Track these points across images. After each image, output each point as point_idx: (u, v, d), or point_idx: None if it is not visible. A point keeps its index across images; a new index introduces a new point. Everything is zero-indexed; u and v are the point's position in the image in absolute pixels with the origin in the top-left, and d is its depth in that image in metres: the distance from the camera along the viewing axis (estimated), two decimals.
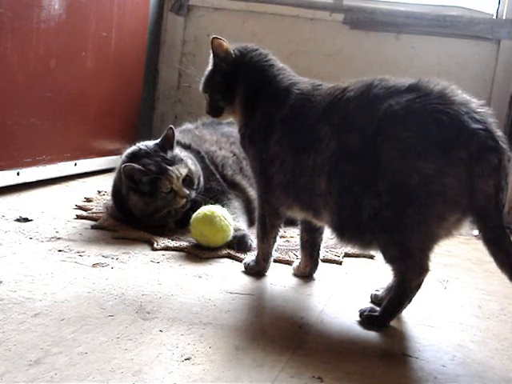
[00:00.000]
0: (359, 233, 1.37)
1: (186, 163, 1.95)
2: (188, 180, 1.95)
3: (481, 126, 1.24)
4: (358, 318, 1.40)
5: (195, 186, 1.97)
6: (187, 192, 1.92)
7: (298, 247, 1.91)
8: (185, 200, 1.92)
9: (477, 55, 3.00)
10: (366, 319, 1.38)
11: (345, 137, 1.35)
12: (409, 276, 1.35)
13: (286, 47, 3.22)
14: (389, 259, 1.36)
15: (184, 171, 1.93)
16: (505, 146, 1.26)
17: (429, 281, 1.75)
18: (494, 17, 3.02)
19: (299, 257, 1.69)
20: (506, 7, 2.99)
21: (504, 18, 2.99)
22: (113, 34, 2.77)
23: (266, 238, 1.62)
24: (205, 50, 3.31)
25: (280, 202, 1.54)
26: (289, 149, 1.47)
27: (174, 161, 1.94)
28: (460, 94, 1.30)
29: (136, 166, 1.89)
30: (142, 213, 1.93)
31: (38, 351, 1.09)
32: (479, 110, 1.28)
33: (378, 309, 1.41)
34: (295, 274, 1.67)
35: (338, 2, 3.16)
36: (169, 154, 1.94)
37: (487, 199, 1.23)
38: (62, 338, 1.15)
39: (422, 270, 1.34)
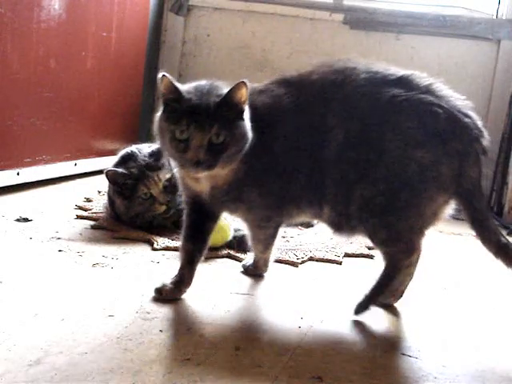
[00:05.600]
0: (348, 220, 1.38)
1: (172, 168, 1.93)
2: (172, 186, 1.88)
3: (469, 120, 1.34)
4: (357, 318, 1.40)
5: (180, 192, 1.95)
6: (167, 198, 1.89)
7: (298, 247, 1.91)
8: (164, 207, 1.90)
9: (477, 55, 3.00)
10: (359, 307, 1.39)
11: (348, 124, 1.34)
12: (398, 257, 1.39)
13: (286, 47, 3.22)
14: (378, 242, 1.39)
15: (165, 177, 1.89)
16: (486, 135, 1.35)
17: (429, 281, 1.75)
18: (494, 17, 3.02)
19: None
20: (505, 7, 2.99)
21: (504, 18, 2.99)
22: (113, 34, 2.77)
23: (271, 247, 1.58)
24: (205, 50, 3.36)
25: (292, 208, 1.45)
26: (296, 151, 1.38)
27: (160, 166, 1.90)
28: (445, 89, 1.38)
29: (119, 169, 1.89)
30: (124, 216, 1.93)
31: (38, 351, 1.08)
32: (463, 104, 1.37)
33: (366, 292, 1.41)
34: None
35: (337, 2, 3.16)
36: (160, 160, 1.92)
37: (473, 184, 1.34)
38: (62, 338, 1.15)
39: (412, 249, 1.39)
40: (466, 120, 1.33)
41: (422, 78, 1.38)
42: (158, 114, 1.31)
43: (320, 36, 3.19)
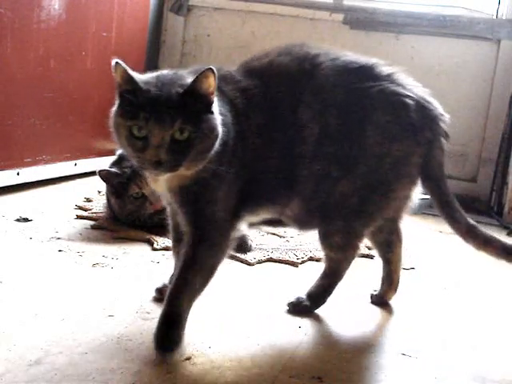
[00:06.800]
0: (313, 217, 1.35)
1: None
2: None
3: (432, 107, 1.34)
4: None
5: None
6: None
7: (298, 247, 1.91)
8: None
9: (477, 55, 3.00)
10: (293, 307, 1.40)
11: (323, 118, 1.28)
12: (344, 265, 1.41)
13: None
14: (329, 246, 1.37)
15: None
16: (447, 120, 1.36)
17: (429, 281, 1.75)
18: (494, 17, 3.02)
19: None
20: (506, 7, 2.98)
21: (504, 18, 2.98)
22: (113, 34, 2.77)
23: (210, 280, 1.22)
24: (205, 50, 3.36)
25: (254, 206, 1.32)
26: (269, 142, 1.27)
27: None
28: (405, 77, 1.37)
29: (111, 169, 1.92)
30: (119, 216, 1.94)
31: (38, 351, 1.09)
32: (424, 91, 1.36)
33: (304, 297, 1.42)
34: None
35: (338, 2, 3.16)
36: None
37: (439, 167, 1.36)
38: (62, 338, 1.15)
39: (355, 255, 1.41)
40: (431, 107, 1.34)
41: (384, 66, 1.35)
42: (114, 108, 1.17)
43: (320, 36, 3.19)
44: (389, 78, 1.33)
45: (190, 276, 1.16)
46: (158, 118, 1.06)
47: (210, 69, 1.08)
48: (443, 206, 1.36)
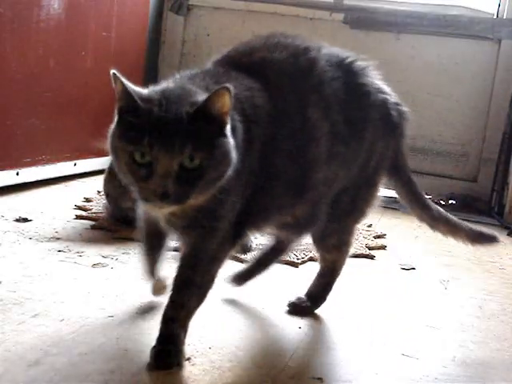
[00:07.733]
0: (310, 223, 1.33)
1: None
2: None
3: (400, 102, 1.37)
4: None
5: None
6: None
7: (298, 247, 1.91)
8: None
9: (477, 55, 3.00)
10: (293, 307, 1.40)
11: (329, 117, 1.22)
12: (341, 263, 1.42)
13: None
14: (325, 248, 1.39)
15: None
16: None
17: (429, 281, 1.75)
18: (495, 16, 3.02)
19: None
20: (506, 7, 2.98)
21: (505, 17, 2.98)
22: (113, 34, 2.77)
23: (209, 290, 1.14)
24: (205, 50, 3.36)
25: (260, 222, 1.24)
26: (281, 149, 1.18)
27: None
28: (375, 72, 1.36)
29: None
30: (117, 199, 1.94)
31: (38, 352, 1.08)
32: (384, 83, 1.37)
33: (304, 297, 1.42)
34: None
35: (338, 2, 3.15)
36: None
37: (405, 158, 1.41)
38: (62, 338, 1.14)
39: (349, 253, 1.42)
40: (400, 103, 1.36)
41: (360, 60, 1.32)
42: (112, 126, 1.03)
43: (320, 36, 3.18)
44: (368, 74, 1.32)
45: (186, 298, 1.09)
46: (164, 142, 0.93)
47: (225, 87, 0.95)
48: (413, 194, 1.41)
